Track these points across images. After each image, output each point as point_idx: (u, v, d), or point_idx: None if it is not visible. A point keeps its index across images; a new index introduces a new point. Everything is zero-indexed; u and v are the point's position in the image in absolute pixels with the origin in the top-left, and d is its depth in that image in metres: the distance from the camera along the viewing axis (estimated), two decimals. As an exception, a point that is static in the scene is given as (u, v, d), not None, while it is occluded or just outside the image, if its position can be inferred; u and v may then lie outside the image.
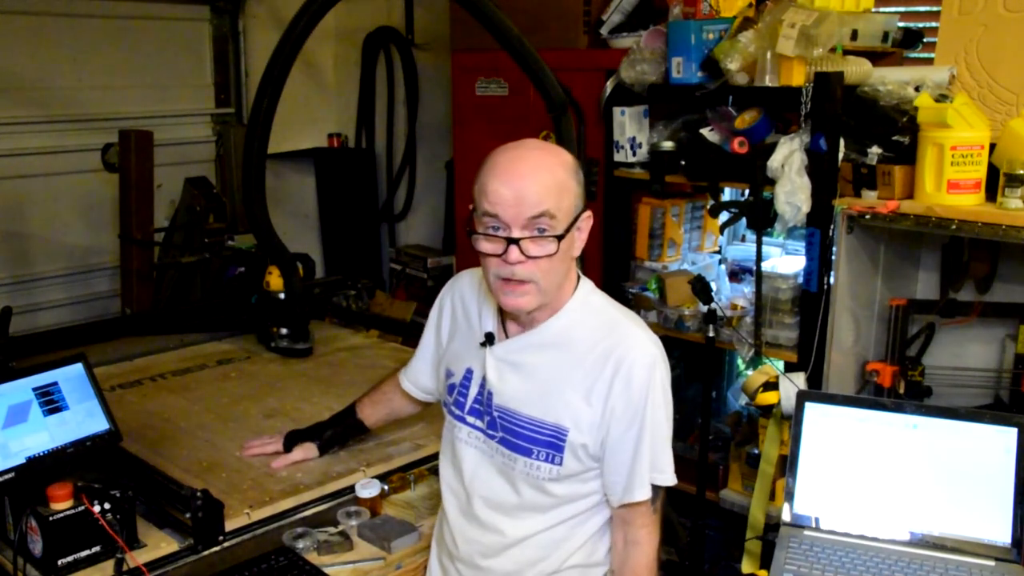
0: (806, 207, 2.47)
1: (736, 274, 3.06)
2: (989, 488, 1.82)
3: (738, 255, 3.15)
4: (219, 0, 4.28)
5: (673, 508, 2.67)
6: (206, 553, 1.71)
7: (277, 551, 1.78)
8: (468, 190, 1.51)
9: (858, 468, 1.90)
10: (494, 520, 1.60)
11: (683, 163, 2.80)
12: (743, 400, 2.87)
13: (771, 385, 2.34)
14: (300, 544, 1.80)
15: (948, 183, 2.16)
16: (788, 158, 2.47)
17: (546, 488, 1.56)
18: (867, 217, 2.27)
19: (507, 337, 1.60)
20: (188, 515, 1.69)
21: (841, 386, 2.41)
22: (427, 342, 1.82)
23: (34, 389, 1.75)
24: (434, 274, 4.40)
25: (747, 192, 2.64)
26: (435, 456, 1.81)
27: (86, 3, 3.85)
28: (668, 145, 2.80)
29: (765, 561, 2.14)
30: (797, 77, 2.49)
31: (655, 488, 1.55)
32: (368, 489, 1.92)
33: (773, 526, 2.01)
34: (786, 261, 2.92)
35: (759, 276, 2.72)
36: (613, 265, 3.11)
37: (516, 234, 1.45)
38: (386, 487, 1.98)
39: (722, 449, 2.87)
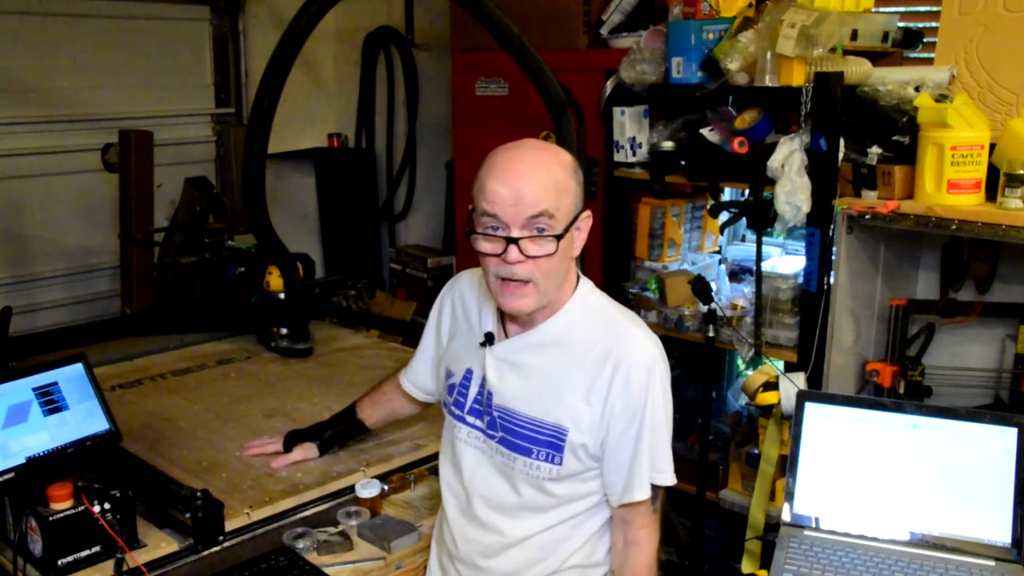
0: (806, 207, 2.47)
1: (736, 274, 3.06)
2: (989, 488, 1.82)
3: (738, 255, 3.15)
4: (219, 0, 4.28)
5: (673, 508, 2.67)
6: (206, 553, 1.72)
7: (277, 551, 1.78)
8: (468, 190, 1.51)
9: (858, 468, 1.90)
10: (494, 520, 1.60)
11: (683, 163, 2.80)
12: (743, 400, 2.87)
13: (771, 385, 2.34)
14: (300, 544, 1.80)
15: (948, 183, 2.16)
16: (788, 158, 2.47)
17: (546, 488, 1.56)
18: (867, 217, 2.27)
19: (507, 337, 1.60)
20: (188, 515, 1.69)
21: (841, 386, 2.41)
22: (427, 342, 1.82)
23: (34, 389, 1.75)
24: (434, 274, 4.40)
25: (747, 192, 2.64)
26: (435, 456, 1.81)
27: (86, 3, 3.85)
28: (668, 145, 2.80)
29: (765, 561, 2.14)
30: (797, 77, 2.49)
31: (655, 488, 1.55)
32: (368, 489, 1.92)
33: (773, 526, 2.01)
34: (786, 261, 2.92)
35: (759, 276, 2.72)
36: (613, 265, 3.11)
37: (515, 234, 1.45)
38: (386, 487, 1.98)
39: (722, 449, 2.87)
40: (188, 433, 2.18)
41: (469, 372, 1.64)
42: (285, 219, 4.18)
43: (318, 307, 3.09)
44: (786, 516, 1.92)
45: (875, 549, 1.83)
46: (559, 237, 1.46)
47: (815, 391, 2.19)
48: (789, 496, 1.92)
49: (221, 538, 1.74)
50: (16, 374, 1.76)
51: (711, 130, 2.69)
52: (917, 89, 2.32)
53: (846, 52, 2.56)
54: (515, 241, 1.45)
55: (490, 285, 1.52)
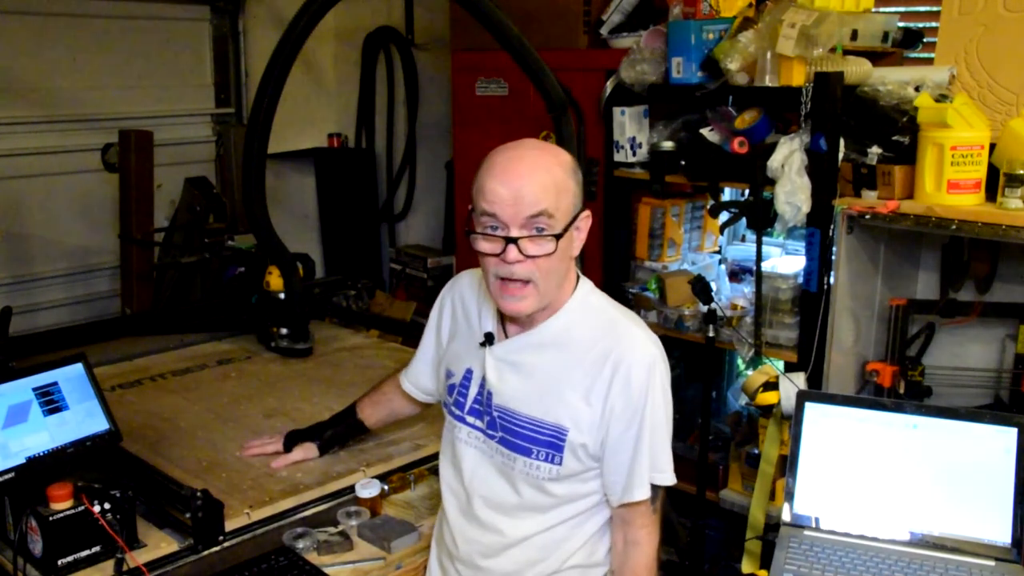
0: (806, 207, 2.47)
1: (736, 274, 3.06)
2: (989, 488, 1.82)
3: (738, 255, 3.15)
4: (219, 0, 4.28)
5: (673, 508, 2.67)
6: (206, 553, 1.71)
7: (277, 551, 1.78)
8: (468, 190, 1.52)
9: (858, 468, 1.90)
10: (494, 520, 1.60)
11: (683, 163, 2.80)
12: (743, 400, 2.87)
13: (771, 385, 2.34)
14: (300, 544, 1.80)
15: (948, 183, 2.16)
16: (788, 158, 2.47)
17: (546, 488, 1.56)
18: (867, 217, 2.27)
19: (507, 337, 1.60)
20: (188, 515, 1.69)
21: (841, 386, 2.41)
22: (427, 343, 1.82)
23: (34, 389, 1.75)
24: (434, 274, 4.40)
25: (747, 192, 2.64)
26: (435, 456, 1.81)
27: (86, 3, 3.85)
28: (668, 145, 2.80)
29: (765, 561, 2.14)
30: (797, 77, 2.49)
31: (655, 488, 1.55)
32: (368, 489, 1.92)
33: (773, 526, 2.01)
34: (786, 261, 2.92)
35: (759, 276, 2.72)
36: (613, 265, 3.11)
37: (514, 233, 1.45)
38: (386, 487, 1.98)
39: (722, 449, 2.87)
40: (188, 433, 2.18)
41: (469, 372, 1.64)
42: (285, 219, 4.18)
43: (318, 307, 3.09)
44: (786, 516, 1.92)
45: (875, 549, 1.83)
46: (558, 237, 1.46)
47: (815, 391, 2.19)
48: (789, 496, 1.92)
49: (221, 538, 1.74)
50: (16, 374, 1.76)
51: (711, 130, 2.69)
52: (917, 89, 2.32)
53: (846, 52, 2.56)
54: (514, 241, 1.45)
55: (490, 286, 1.52)
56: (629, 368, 1.50)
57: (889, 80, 2.42)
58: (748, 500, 2.39)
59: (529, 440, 1.55)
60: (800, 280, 2.62)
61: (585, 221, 1.54)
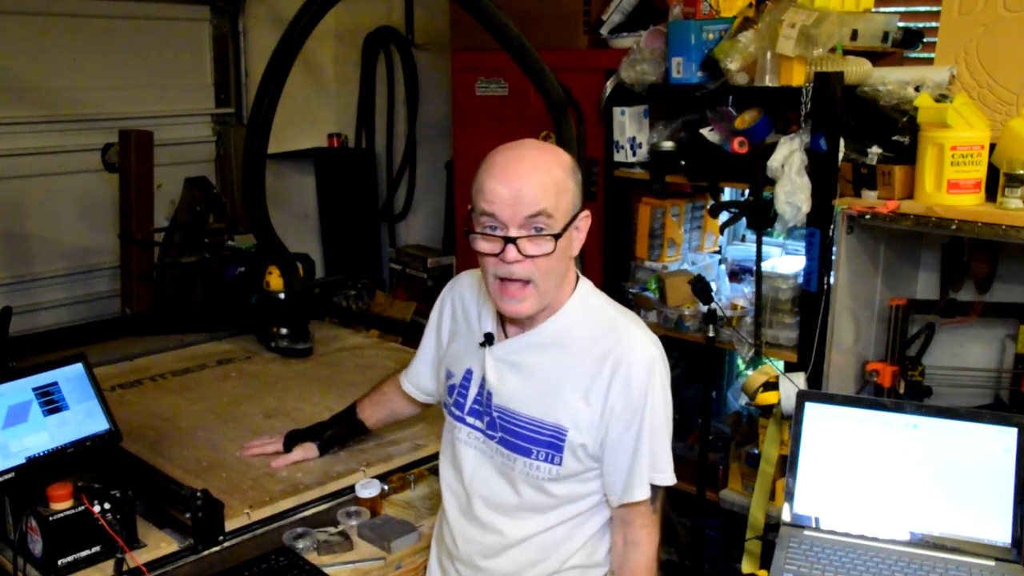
0: (806, 207, 2.47)
1: (736, 274, 3.06)
2: (989, 488, 1.82)
3: (738, 255, 3.15)
4: (219, 0, 4.28)
5: (673, 508, 2.67)
6: (206, 553, 1.72)
7: (277, 551, 1.78)
8: (468, 190, 1.52)
9: (858, 468, 1.90)
10: (494, 520, 1.60)
11: (683, 163, 2.80)
12: (743, 400, 2.87)
13: (771, 385, 2.34)
14: (300, 544, 1.80)
15: (948, 183, 2.16)
16: (788, 158, 2.47)
17: (546, 488, 1.56)
18: (867, 217, 2.27)
19: (506, 337, 1.60)
20: (188, 515, 1.69)
21: (841, 386, 2.41)
22: (427, 343, 1.82)
23: (34, 389, 1.75)
24: (434, 274, 4.40)
25: (747, 192, 2.64)
26: (435, 456, 1.81)
27: (86, 3, 3.85)
28: (668, 145, 2.80)
29: (765, 561, 2.14)
30: (797, 77, 2.49)
31: (654, 488, 1.55)
32: (368, 489, 1.92)
33: (773, 526, 2.01)
34: (786, 261, 2.92)
35: (759, 276, 2.72)
36: (613, 265, 3.11)
37: (513, 233, 1.45)
38: (386, 487, 1.98)
39: (722, 449, 2.87)
40: (188, 433, 2.18)
41: (469, 373, 1.64)
42: (285, 219, 4.18)
43: (318, 307, 3.09)
44: (786, 516, 1.92)
45: (875, 549, 1.83)
46: (557, 236, 1.46)
47: (815, 391, 2.19)
48: (789, 496, 1.92)
49: (221, 538, 1.74)
50: (16, 374, 1.76)
51: (711, 130, 2.69)
52: (917, 89, 2.32)
53: (846, 52, 2.56)
54: (513, 241, 1.45)
55: (489, 287, 1.52)
56: (629, 368, 1.50)
57: (889, 80, 2.42)
58: (748, 500, 2.39)
59: (529, 440, 1.55)
60: (800, 280, 2.62)
61: (584, 221, 1.54)
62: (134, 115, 3.94)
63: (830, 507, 1.90)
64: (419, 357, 1.85)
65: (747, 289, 2.90)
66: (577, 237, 1.54)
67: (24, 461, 1.68)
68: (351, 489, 1.95)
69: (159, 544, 1.69)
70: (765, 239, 2.76)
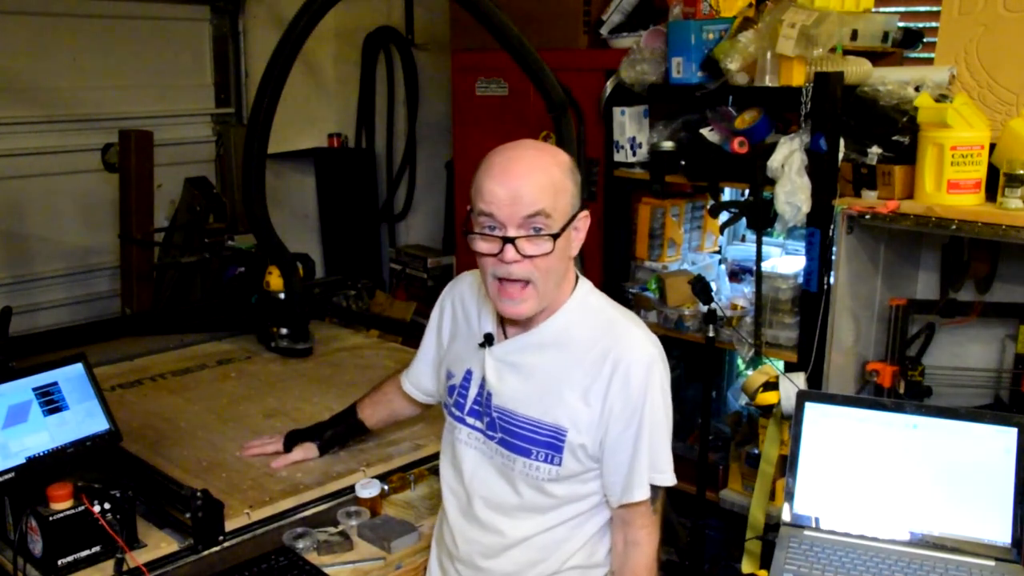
0: (806, 207, 2.47)
1: (736, 274, 3.06)
2: (989, 488, 1.82)
3: (738, 255, 3.15)
4: (219, 0, 4.28)
5: (673, 508, 2.67)
6: (206, 553, 1.72)
7: (277, 551, 1.78)
8: (468, 190, 1.52)
9: (858, 468, 1.90)
10: (494, 521, 1.60)
11: (683, 163, 2.80)
12: (743, 400, 2.87)
13: (771, 385, 2.34)
14: (300, 544, 1.80)
15: (948, 183, 2.16)
16: (788, 158, 2.47)
17: (546, 489, 1.56)
18: (867, 217, 2.27)
19: (506, 338, 1.60)
20: (188, 515, 1.69)
21: (841, 386, 2.41)
22: (428, 344, 1.82)
23: (34, 389, 1.75)
24: (434, 274, 4.40)
25: (747, 192, 2.64)
26: (435, 456, 1.81)
27: (86, 3, 3.85)
28: (668, 145, 2.80)
29: (765, 561, 2.14)
30: (797, 77, 2.49)
31: (654, 488, 1.55)
32: (368, 489, 1.92)
33: (773, 526, 2.01)
34: (786, 261, 2.92)
35: (759, 276, 2.72)
36: (613, 265, 3.11)
37: (512, 233, 1.45)
38: (386, 487, 1.98)
39: (722, 449, 2.87)
40: (188, 433, 2.18)
41: (469, 373, 1.64)
42: (285, 219, 4.18)
43: (318, 307, 3.09)
44: (786, 516, 1.92)
45: (875, 549, 1.83)
46: (555, 236, 1.46)
47: (815, 391, 2.19)
48: (789, 496, 1.92)
49: (221, 538, 1.74)
50: (16, 374, 1.76)
51: (711, 130, 2.69)
52: (917, 89, 2.32)
53: (846, 52, 2.56)
54: (512, 241, 1.45)
55: (488, 288, 1.52)
56: (628, 368, 1.50)
57: (889, 80, 2.42)
58: (748, 500, 2.39)
59: (528, 441, 1.55)
60: (800, 280, 2.62)
61: (583, 221, 1.54)
62: (134, 115, 3.94)
63: (830, 507, 1.90)
64: (419, 358, 1.85)
65: (747, 289, 2.90)
66: (576, 237, 1.54)
67: (24, 461, 1.68)
68: (351, 489, 1.95)
69: (159, 544, 1.69)
70: (765, 239, 2.76)
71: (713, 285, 2.74)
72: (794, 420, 1.98)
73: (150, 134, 3.66)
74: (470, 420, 1.64)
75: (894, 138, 2.32)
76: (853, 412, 1.94)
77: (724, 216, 2.83)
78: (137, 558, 1.63)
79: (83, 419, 1.79)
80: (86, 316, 3.92)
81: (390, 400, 2.00)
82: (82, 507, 1.59)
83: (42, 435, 1.72)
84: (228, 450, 2.08)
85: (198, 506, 1.68)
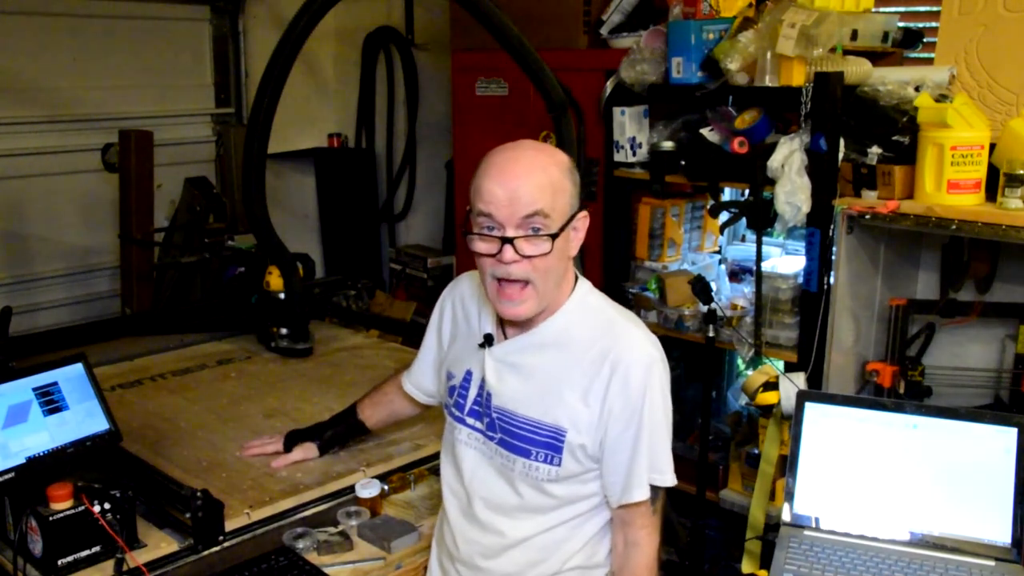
0: (806, 207, 2.47)
1: (736, 274, 3.06)
2: (989, 488, 1.82)
3: (738, 255, 3.15)
4: (219, 0, 4.28)
5: (673, 508, 2.67)
6: (206, 553, 1.72)
7: (277, 551, 1.78)
8: (468, 190, 1.52)
9: (858, 468, 1.90)
10: (494, 521, 1.60)
11: (683, 163, 2.80)
12: (743, 400, 2.87)
13: (771, 385, 2.34)
14: (300, 544, 1.80)
15: (948, 183, 2.16)
16: (788, 158, 2.47)
17: (546, 489, 1.56)
18: (867, 217, 2.27)
19: (506, 338, 1.60)
20: (188, 515, 1.69)
21: (841, 386, 2.41)
22: (429, 345, 1.82)
23: (34, 389, 1.75)
24: (434, 274, 4.40)
25: (747, 192, 2.64)
26: (435, 456, 1.81)
27: (86, 3, 3.85)
28: (668, 145, 2.80)
29: (765, 561, 2.14)
30: (797, 77, 2.49)
31: (654, 489, 1.55)
32: (368, 489, 1.92)
33: (773, 526, 2.01)
34: (786, 261, 2.92)
35: (759, 276, 2.72)
36: (613, 265, 3.11)
37: (510, 233, 1.45)
38: (386, 487, 1.98)
39: (722, 449, 2.87)
40: (188, 433, 2.18)
41: (469, 374, 1.64)
42: (285, 219, 4.18)
43: (318, 307, 3.09)
44: (786, 516, 1.92)
45: (875, 549, 1.83)
46: (554, 236, 1.46)
47: (815, 391, 2.19)
48: (789, 496, 1.92)
49: (221, 538, 1.74)
50: (16, 374, 1.76)
51: (711, 130, 2.69)
52: (917, 89, 2.32)
53: (846, 52, 2.56)
54: (510, 241, 1.45)
55: (487, 289, 1.52)
56: (627, 368, 1.50)
57: (889, 80, 2.42)
58: (748, 500, 2.39)
59: (528, 441, 1.55)
60: (800, 280, 2.62)
61: (582, 221, 1.53)
62: (134, 115, 3.94)
63: (830, 507, 1.90)
64: (420, 358, 1.85)
65: (747, 289, 2.90)
66: (575, 237, 1.53)
67: (24, 461, 1.68)
68: (351, 489, 1.95)
69: (159, 544, 1.69)
70: (765, 239, 2.76)
71: (713, 285, 2.74)
72: (794, 420, 1.98)
73: (150, 134, 3.66)
74: (470, 420, 1.64)
75: (894, 138, 2.32)
76: (853, 412, 1.94)
77: (724, 216, 2.83)
78: (137, 558, 1.63)
79: (83, 419, 1.79)
80: (86, 316, 3.92)
81: (390, 400, 2.00)
82: (82, 507, 1.59)
83: (42, 435, 1.72)
84: (228, 450, 2.08)
85: (198, 506, 1.68)
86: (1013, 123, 2.13)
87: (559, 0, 3.19)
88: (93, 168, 3.81)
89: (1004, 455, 1.82)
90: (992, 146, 2.16)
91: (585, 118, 3.06)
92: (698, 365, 3.04)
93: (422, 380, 1.86)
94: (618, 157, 2.98)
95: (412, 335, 3.01)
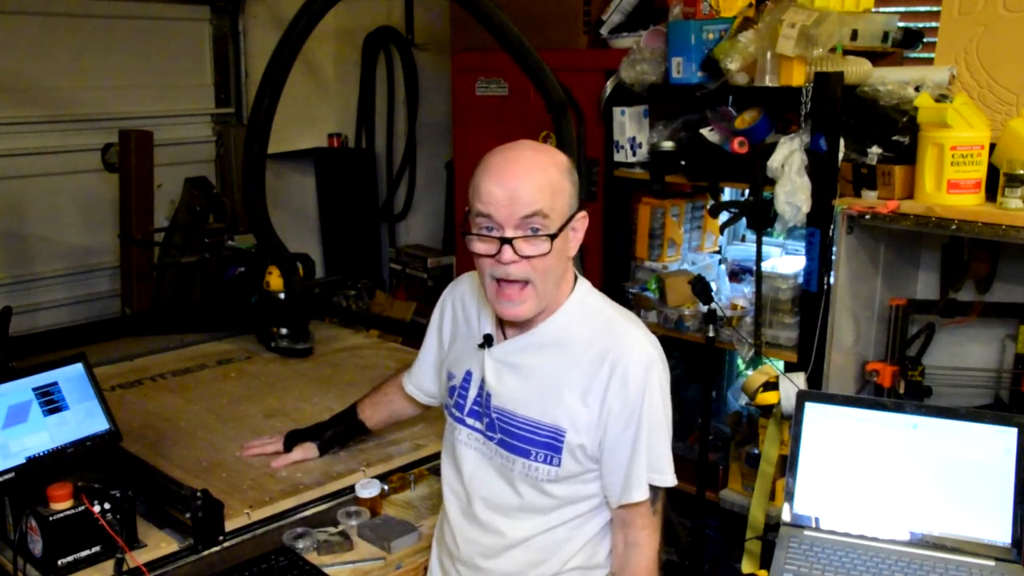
0: (806, 207, 2.47)
1: (736, 274, 3.06)
2: (989, 488, 1.82)
3: (738, 255, 3.15)
4: (219, 0, 4.28)
5: (673, 508, 2.67)
6: (206, 553, 1.72)
7: (277, 551, 1.78)
8: (467, 190, 1.52)
9: (858, 468, 1.90)
10: (494, 521, 1.60)
11: (683, 163, 2.80)
12: (743, 400, 2.87)
13: (771, 385, 2.34)
14: (300, 544, 1.80)
15: (948, 183, 2.16)
16: (788, 158, 2.47)
17: (545, 489, 1.56)
18: (867, 217, 2.27)
19: (505, 339, 1.60)
20: (188, 515, 1.69)
21: (841, 386, 2.41)
22: (429, 345, 1.82)
23: (34, 389, 1.75)
24: (434, 274, 4.40)
25: (747, 192, 2.64)
26: (435, 456, 1.81)
27: (86, 3, 3.85)
28: (668, 145, 2.80)
29: (765, 561, 2.14)
30: (797, 77, 2.49)
31: (654, 489, 1.55)
32: (368, 489, 1.92)
33: (773, 526, 2.01)
34: (786, 261, 2.92)
35: (759, 276, 2.72)
36: (613, 265, 3.11)
37: (509, 234, 1.45)
38: (386, 487, 1.98)
39: (722, 449, 2.87)
40: (188, 433, 2.18)
41: (469, 374, 1.64)
42: (285, 219, 4.17)
43: (318, 307, 3.09)
44: (786, 516, 1.92)
45: (875, 549, 1.83)
46: (553, 237, 1.46)
47: (815, 391, 2.19)
48: (789, 496, 1.92)
49: (221, 538, 1.74)
50: (16, 374, 1.76)
51: (711, 130, 2.69)
52: (917, 89, 2.32)
53: (846, 52, 2.56)
54: (509, 241, 1.45)
55: (487, 290, 1.52)
56: (626, 368, 1.50)
57: (889, 80, 2.42)
58: (748, 500, 2.39)
59: (527, 442, 1.55)
60: (800, 280, 2.62)
61: (581, 222, 1.53)
62: (134, 115, 3.93)
63: (830, 507, 1.90)
64: (421, 359, 1.85)
65: (747, 289, 2.90)
66: (574, 237, 1.53)
67: (24, 461, 1.68)
68: (351, 489, 1.95)
69: (159, 544, 1.69)
70: (765, 239, 2.76)
71: (713, 285, 2.74)
72: (794, 420, 1.98)
73: (150, 134, 3.66)
74: (470, 421, 1.64)
75: (894, 138, 2.32)
76: (853, 412, 1.94)
77: (724, 216, 2.83)
78: (137, 558, 1.63)
79: (83, 419, 1.79)
80: (86, 316, 3.92)
81: (391, 401, 2.00)
82: (82, 507, 1.59)
83: (42, 435, 1.72)
84: (228, 450, 2.08)
85: (198, 506, 1.68)
86: (1013, 123, 2.13)
87: (559, 0, 3.19)
88: (93, 168, 3.81)
89: (1004, 455, 1.82)
90: (992, 146, 2.16)
91: (585, 118, 3.06)
92: (698, 365, 3.04)
93: (423, 380, 1.86)
94: (618, 157, 2.98)
95: (412, 335, 3.01)
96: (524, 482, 1.57)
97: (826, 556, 1.81)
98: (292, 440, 2.05)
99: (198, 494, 1.68)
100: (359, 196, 4.75)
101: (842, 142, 2.42)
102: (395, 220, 4.86)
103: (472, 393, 1.63)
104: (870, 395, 2.42)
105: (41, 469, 1.68)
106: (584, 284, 1.61)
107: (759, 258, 2.72)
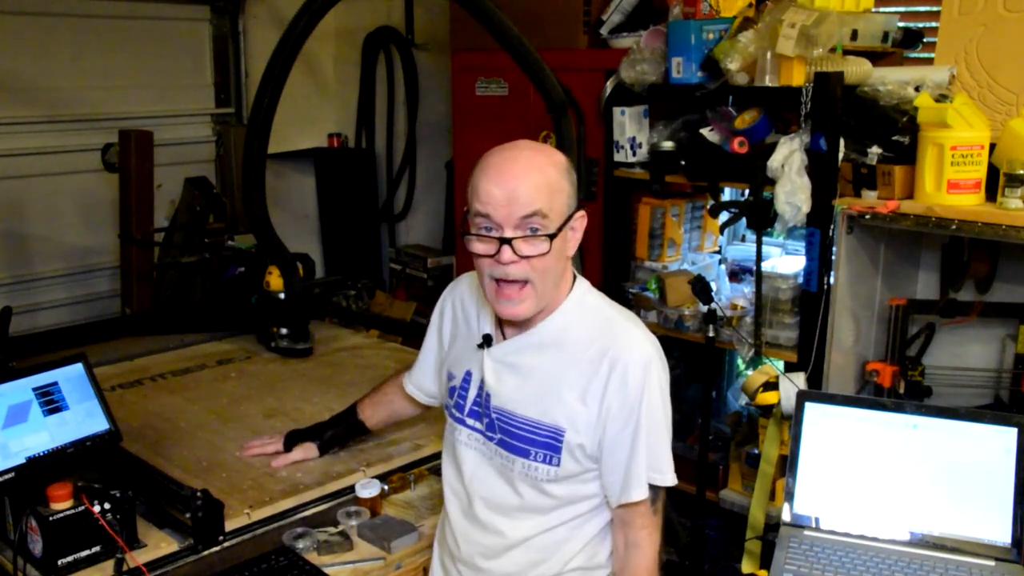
0: (806, 207, 2.47)
1: (736, 274, 3.06)
2: (989, 488, 1.82)
3: (738, 255, 3.15)
4: (219, 0, 4.28)
5: (673, 508, 2.67)
6: (206, 553, 1.72)
7: (277, 551, 1.78)
8: (467, 190, 1.52)
9: (858, 468, 1.90)
10: (494, 521, 1.60)
11: (683, 163, 2.80)
12: (743, 400, 2.87)
13: (771, 385, 2.34)
14: (300, 544, 1.80)
15: (948, 183, 2.16)
16: (788, 158, 2.47)
17: (545, 489, 1.56)
18: (867, 217, 2.27)
19: (504, 339, 1.60)
20: (188, 515, 1.69)
21: (841, 386, 2.41)
22: (429, 346, 1.82)
23: (34, 389, 1.75)
24: (434, 274, 4.40)
25: (747, 192, 2.64)
26: (435, 456, 1.82)
27: (86, 3, 3.85)
28: (668, 145, 2.80)
29: (765, 561, 2.14)
30: (797, 77, 2.49)
31: (654, 489, 1.55)
32: (368, 489, 1.92)
33: (773, 526, 2.01)
34: (786, 261, 2.92)
35: (759, 276, 2.72)
36: (613, 265, 3.11)
37: (508, 234, 1.45)
38: (386, 487, 1.98)
39: (722, 449, 2.87)
40: (188, 433, 2.18)
41: (468, 374, 1.64)
42: (285, 219, 4.18)
43: (318, 307, 3.09)
44: (786, 516, 1.92)
45: (875, 549, 1.83)
46: (552, 237, 1.46)
47: (815, 391, 2.19)
48: (789, 496, 1.92)
49: (221, 538, 1.74)
50: (16, 374, 1.76)
51: (711, 130, 2.69)
52: (917, 89, 2.32)
53: (846, 52, 2.56)
54: (508, 241, 1.45)
55: (486, 290, 1.52)
56: (625, 367, 1.50)
57: (889, 80, 2.42)
58: (748, 500, 2.39)
59: (527, 442, 1.55)
60: (800, 280, 2.62)
61: (580, 221, 1.53)
62: (134, 115, 3.94)
63: (830, 507, 1.90)
64: (422, 359, 1.85)
65: (747, 289, 2.90)
66: (573, 237, 1.53)
67: (24, 461, 1.68)
68: (351, 489, 1.95)
69: (159, 544, 1.69)
70: (765, 239, 2.76)
71: (713, 285, 2.74)
72: (794, 420, 1.98)
73: (150, 134, 3.66)
74: (470, 421, 1.64)
75: (894, 138, 2.32)
76: (853, 412, 1.94)
77: (724, 216, 2.83)
78: (137, 558, 1.63)
79: (83, 419, 1.79)
80: (86, 316, 3.92)
81: (391, 401, 2.00)
82: (82, 507, 1.59)
83: (42, 435, 1.72)
84: (228, 450, 2.08)
85: (198, 506, 1.68)
86: (1013, 123, 2.13)
87: (559, 0, 3.19)
88: (93, 168, 3.81)
89: (1004, 455, 1.82)
90: (992, 146, 2.16)
91: (585, 118, 3.06)
92: (698, 365, 3.04)
93: (423, 381, 1.86)
94: (618, 157, 2.98)
95: (412, 335, 3.01)
96: (524, 482, 1.57)
97: (826, 556, 1.81)
98: (292, 440, 2.05)
99: (198, 494, 1.68)
100: (359, 196, 4.75)
101: (842, 142, 2.42)
102: (395, 220, 4.86)
103: (472, 393, 1.63)
104: (870, 395, 2.42)
105: (41, 469, 1.68)
106: (583, 283, 1.61)
107: (759, 258, 2.72)
